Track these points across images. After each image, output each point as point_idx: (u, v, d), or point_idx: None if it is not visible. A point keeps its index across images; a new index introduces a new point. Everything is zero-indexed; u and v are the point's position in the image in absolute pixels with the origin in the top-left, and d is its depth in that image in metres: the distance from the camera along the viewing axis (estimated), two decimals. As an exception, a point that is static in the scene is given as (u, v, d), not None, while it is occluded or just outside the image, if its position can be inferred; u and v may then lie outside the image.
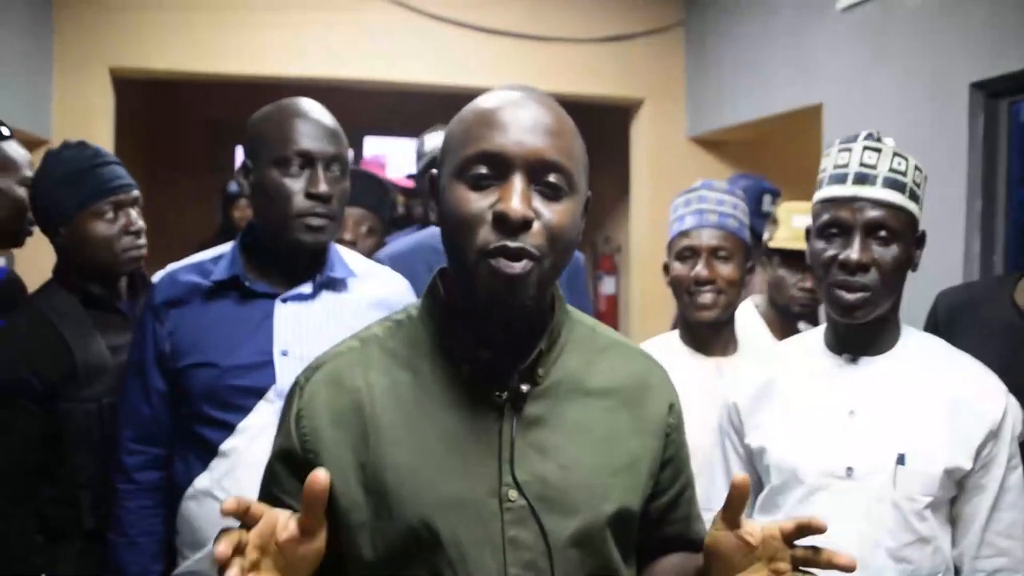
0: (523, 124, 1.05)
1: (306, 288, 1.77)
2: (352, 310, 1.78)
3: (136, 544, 1.76)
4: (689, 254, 2.03)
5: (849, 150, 1.59)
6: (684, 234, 2.05)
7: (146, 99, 5.56)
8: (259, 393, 1.70)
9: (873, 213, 1.53)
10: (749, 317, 2.46)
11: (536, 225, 1.03)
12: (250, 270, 1.77)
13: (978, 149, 2.90)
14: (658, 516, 1.23)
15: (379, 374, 1.14)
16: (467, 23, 4.35)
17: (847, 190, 1.55)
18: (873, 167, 1.55)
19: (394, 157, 6.43)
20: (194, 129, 5.78)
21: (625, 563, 1.18)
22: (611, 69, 4.58)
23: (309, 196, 1.70)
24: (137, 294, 2.12)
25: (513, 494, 1.08)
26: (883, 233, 1.53)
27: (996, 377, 1.58)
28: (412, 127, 6.30)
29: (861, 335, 1.60)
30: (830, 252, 1.55)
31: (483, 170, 1.05)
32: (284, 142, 1.71)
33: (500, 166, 1.04)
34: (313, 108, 1.77)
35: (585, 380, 1.17)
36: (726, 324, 2.08)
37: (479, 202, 1.04)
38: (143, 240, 2.06)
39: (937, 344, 1.66)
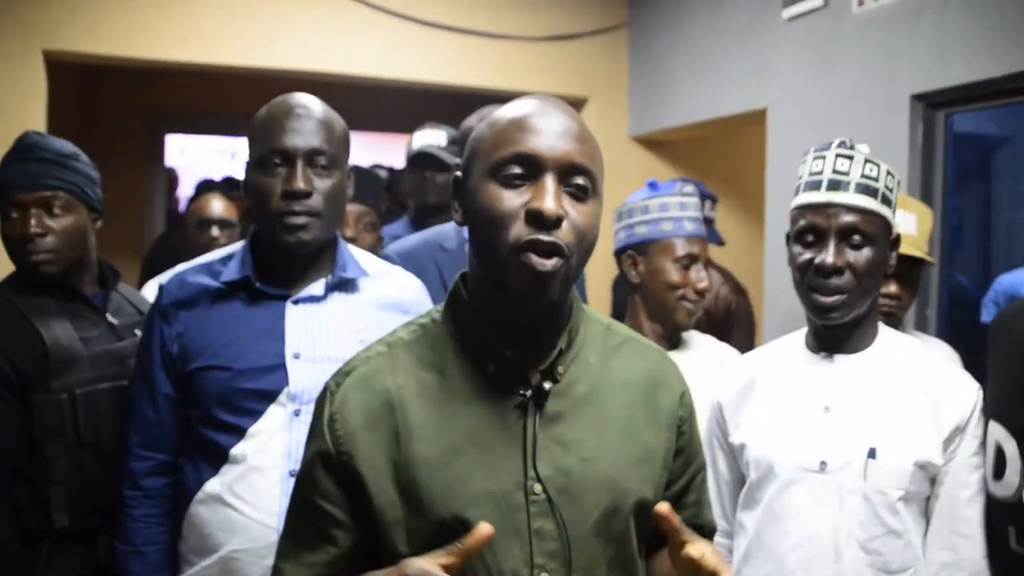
0: (554, 130, 1.13)
1: (317, 289, 1.74)
2: (364, 311, 1.76)
3: (142, 553, 1.72)
4: (688, 262, 2.10)
5: (823, 158, 1.66)
6: (687, 239, 2.11)
7: (81, 84, 5.36)
8: (271, 396, 1.67)
9: (846, 218, 1.60)
10: None
11: (565, 224, 1.10)
12: (260, 271, 1.73)
13: (917, 157, 3.05)
14: (670, 503, 1.26)
15: (407, 376, 1.19)
16: (412, 17, 4.32)
17: (821, 196, 1.62)
18: (846, 173, 1.62)
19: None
20: (129, 116, 5.58)
21: (640, 554, 1.24)
22: (556, 67, 4.62)
23: (285, 195, 1.65)
24: (107, 285, 2.07)
25: (538, 487, 1.14)
26: (856, 238, 1.60)
27: (970, 376, 1.65)
28: (356, 122, 6.22)
29: (838, 334, 1.66)
30: (806, 256, 1.63)
31: (517, 170, 1.11)
32: (263, 141, 1.68)
33: (533, 167, 1.11)
34: (300, 103, 1.71)
35: (603, 376, 1.23)
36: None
37: (513, 200, 1.11)
38: (45, 243, 1.91)
39: (913, 343, 1.73)
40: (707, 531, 1.35)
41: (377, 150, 6.28)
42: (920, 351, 1.70)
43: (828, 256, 1.59)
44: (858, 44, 3.25)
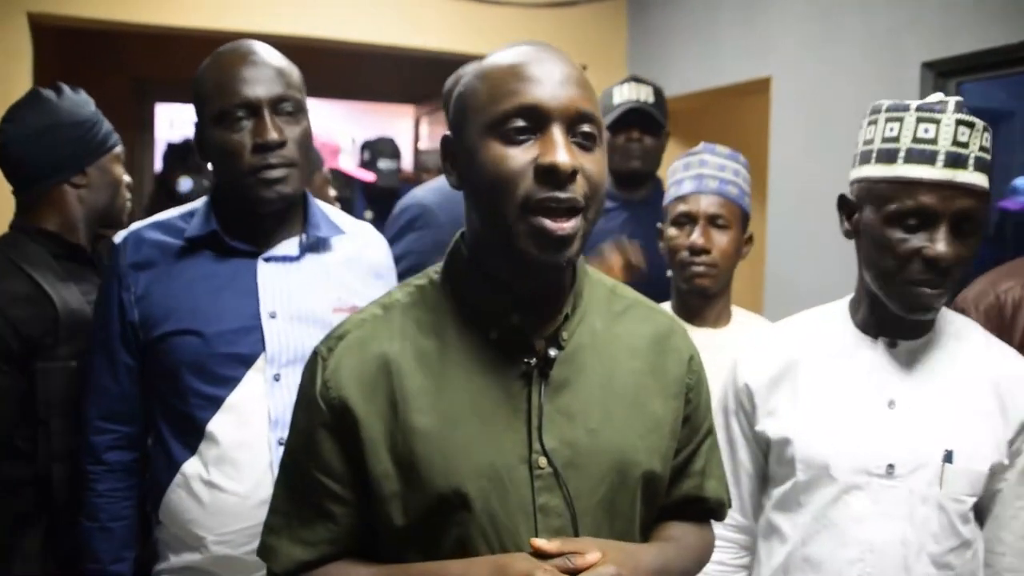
0: (555, 77, 1.05)
1: (291, 249, 1.64)
2: (340, 271, 1.67)
3: (108, 530, 1.62)
4: (685, 220, 1.97)
5: (936, 122, 1.36)
6: (682, 199, 1.99)
7: (67, 50, 5.25)
8: (248, 362, 1.56)
9: (964, 203, 1.34)
10: None
11: (580, 177, 1.03)
12: (226, 228, 1.62)
13: (926, 127, 2.94)
14: (674, 473, 1.23)
15: (403, 340, 1.12)
16: (408, -18, 4.21)
17: (938, 173, 1.34)
18: (966, 146, 1.35)
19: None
20: (116, 84, 5.47)
21: (643, 526, 1.18)
22: (553, 34, 4.50)
23: (257, 148, 1.54)
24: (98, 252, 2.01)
25: (543, 461, 1.08)
26: (966, 226, 1.36)
27: None
28: (349, 89, 6.11)
29: (905, 320, 1.46)
30: (912, 244, 1.37)
31: (520, 123, 1.03)
32: (221, 95, 1.56)
33: (538, 119, 1.03)
34: (252, 50, 1.61)
35: (608, 342, 1.16)
36: (719, 295, 2.03)
37: (519, 157, 1.02)
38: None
39: (972, 327, 1.54)
40: (711, 505, 1.27)
41: (370, 120, 6.16)
42: (981, 337, 1.51)
43: (941, 246, 1.34)
44: (866, 11, 3.14)
